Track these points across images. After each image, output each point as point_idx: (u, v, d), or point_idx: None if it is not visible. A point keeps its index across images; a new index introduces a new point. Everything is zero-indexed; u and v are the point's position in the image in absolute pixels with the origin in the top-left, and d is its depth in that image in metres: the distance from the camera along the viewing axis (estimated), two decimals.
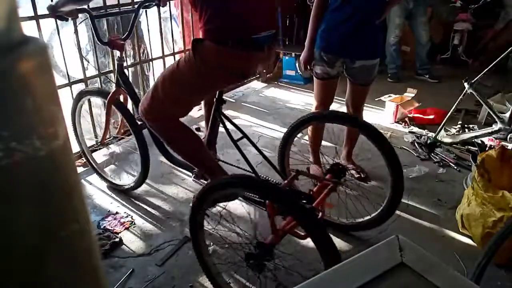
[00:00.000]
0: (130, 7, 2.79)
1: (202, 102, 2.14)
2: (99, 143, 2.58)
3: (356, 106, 2.50)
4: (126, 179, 2.57)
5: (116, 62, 2.18)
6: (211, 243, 2.04)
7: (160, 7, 2.23)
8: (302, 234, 1.48)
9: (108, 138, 2.61)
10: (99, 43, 2.16)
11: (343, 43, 2.17)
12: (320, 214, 1.62)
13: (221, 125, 2.04)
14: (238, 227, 1.86)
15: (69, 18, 2.05)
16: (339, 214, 2.13)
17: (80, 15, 2.14)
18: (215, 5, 1.60)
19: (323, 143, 2.21)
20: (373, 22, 2.18)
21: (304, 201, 1.72)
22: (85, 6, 2.04)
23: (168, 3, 2.12)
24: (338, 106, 3.60)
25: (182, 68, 1.70)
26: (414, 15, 4.35)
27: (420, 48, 4.55)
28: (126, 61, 3.04)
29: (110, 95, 2.22)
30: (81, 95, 2.37)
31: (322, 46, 2.22)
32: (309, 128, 2.45)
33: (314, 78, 2.36)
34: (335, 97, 2.46)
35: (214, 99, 1.99)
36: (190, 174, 2.19)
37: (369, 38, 2.20)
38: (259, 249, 1.46)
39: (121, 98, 2.27)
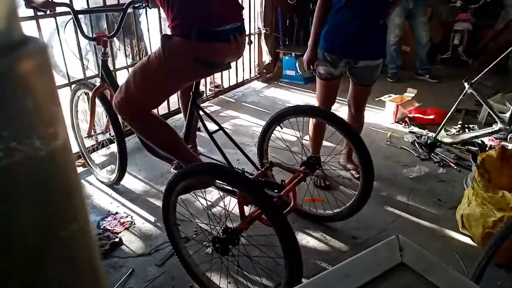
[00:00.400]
0: (123, 5, 2.80)
1: (179, 96, 2.27)
2: (85, 136, 2.62)
3: (358, 107, 2.51)
4: (107, 174, 2.63)
5: (100, 58, 2.27)
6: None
7: (148, 8, 2.25)
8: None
9: (98, 133, 2.64)
10: (84, 38, 2.23)
11: (347, 43, 2.17)
12: (291, 202, 1.81)
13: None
14: (213, 213, 1.94)
15: (48, 11, 2.11)
16: (316, 206, 2.22)
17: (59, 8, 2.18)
18: (180, 2, 1.71)
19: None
20: (377, 22, 2.18)
21: (276, 191, 1.81)
22: (63, 0, 2.11)
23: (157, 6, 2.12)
24: (338, 105, 3.59)
25: (152, 63, 1.79)
26: (414, 15, 4.35)
27: (420, 48, 4.55)
28: (126, 61, 3.05)
29: (94, 89, 2.30)
30: (76, 87, 2.48)
31: (326, 47, 2.22)
32: (310, 127, 2.49)
33: (317, 78, 2.37)
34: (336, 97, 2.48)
35: (191, 93, 2.04)
36: None
37: (372, 39, 2.20)
38: (225, 234, 1.54)
39: (108, 93, 2.35)
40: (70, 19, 2.23)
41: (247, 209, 1.66)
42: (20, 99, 0.26)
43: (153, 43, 3.24)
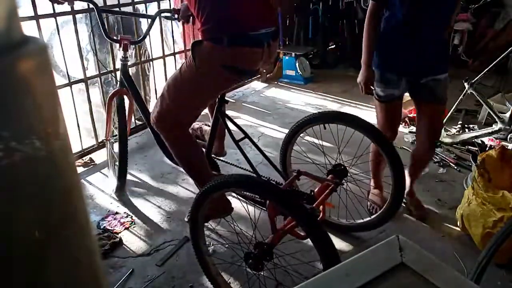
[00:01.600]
0: (145, 11, 2.81)
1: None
2: (103, 140, 2.58)
3: (433, 133, 2.08)
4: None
5: (120, 62, 2.17)
6: (211, 243, 2.04)
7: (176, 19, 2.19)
8: (302, 234, 1.48)
9: (115, 136, 2.59)
10: (107, 39, 2.13)
11: (407, 61, 1.92)
12: (321, 214, 1.62)
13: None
14: (238, 226, 1.85)
15: (66, 3, 1.99)
16: (339, 214, 2.13)
17: (79, 3, 2.14)
18: (211, 4, 1.62)
19: (325, 143, 2.19)
20: (439, 35, 1.93)
21: (305, 202, 1.71)
22: None
23: (181, 18, 2.09)
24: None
25: (184, 73, 1.72)
26: None
27: None
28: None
29: (111, 93, 2.24)
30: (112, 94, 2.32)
31: (383, 66, 1.97)
32: (371, 150, 2.21)
33: (376, 101, 2.07)
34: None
35: (216, 100, 1.97)
36: None
37: (435, 54, 1.92)
38: (258, 249, 1.46)
39: (126, 99, 2.28)
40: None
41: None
42: (20, 99, 0.26)
43: (153, 44, 3.24)
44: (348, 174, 1.92)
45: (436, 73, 1.93)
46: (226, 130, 2.01)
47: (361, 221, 2.07)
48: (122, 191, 2.44)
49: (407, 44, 1.89)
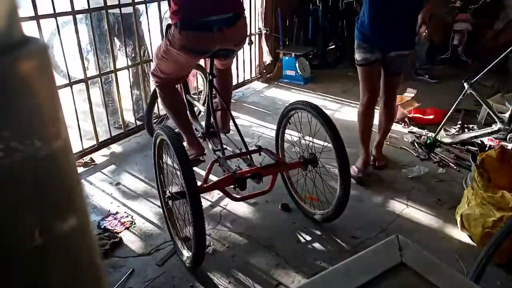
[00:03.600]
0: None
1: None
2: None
3: (389, 98, 2.63)
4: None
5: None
6: (211, 243, 2.04)
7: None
8: (232, 195, 1.91)
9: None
10: None
11: (378, 37, 2.37)
12: (269, 187, 1.97)
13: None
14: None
15: None
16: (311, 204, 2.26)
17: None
18: None
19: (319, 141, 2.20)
20: (410, 18, 2.34)
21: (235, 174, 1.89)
22: None
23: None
24: (339, 106, 3.61)
25: (163, 47, 2.12)
26: None
27: (419, 48, 4.55)
28: (127, 61, 3.05)
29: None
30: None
31: (360, 38, 2.42)
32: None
33: (357, 67, 2.50)
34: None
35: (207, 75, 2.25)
36: None
37: (404, 31, 2.38)
38: (178, 194, 1.80)
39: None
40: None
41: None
42: (21, 99, 0.26)
43: (153, 43, 3.24)
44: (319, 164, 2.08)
45: (402, 49, 2.40)
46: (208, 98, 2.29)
47: (321, 211, 2.15)
48: None
49: (380, 25, 2.33)
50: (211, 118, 2.32)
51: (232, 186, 1.89)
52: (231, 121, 2.31)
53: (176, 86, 2.38)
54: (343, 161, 1.93)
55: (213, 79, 2.22)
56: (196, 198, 1.65)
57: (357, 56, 2.44)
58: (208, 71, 2.26)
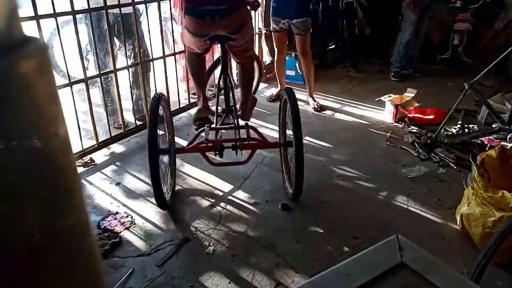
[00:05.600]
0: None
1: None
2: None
3: (302, 52, 3.71)
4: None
5: None
6: (211, 243, 2.04)
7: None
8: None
9: None
10: None
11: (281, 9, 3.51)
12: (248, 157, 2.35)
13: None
14: None
15: None
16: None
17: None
18: None
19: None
20: None
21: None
22: None
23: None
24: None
25: (182, 27, 2.53)
26: (425, 11, 4.34)
27: (397, 45, 4.58)
28: (127, 61, 3.05)
29: None
30: None
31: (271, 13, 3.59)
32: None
33: (272, 33, 3.72)
34: None
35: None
36: (192, 175, 2.21)
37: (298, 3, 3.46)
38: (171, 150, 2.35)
39: None
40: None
41: None
42: (21, 99, 0.26)
43: (153, 43, 3.24)
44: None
45: (300, 17, 3.48)
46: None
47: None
48: None
49: (283, 3, 3.49)
50: (226, 96, 2.68)
51: (214, 153, 2.30)
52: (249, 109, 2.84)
53: (201, 56, 2.73)
54: (298, 155, 2.15)
55: (227, 62, 2.61)
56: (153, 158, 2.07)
57: (272, 25, 3.61)
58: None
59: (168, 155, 2.34)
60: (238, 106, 2.77)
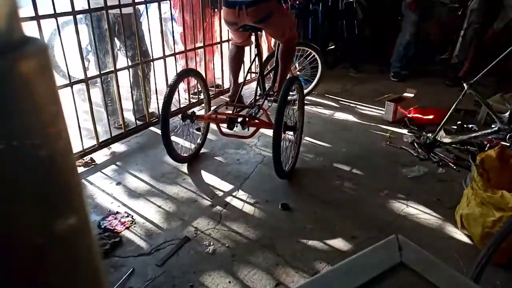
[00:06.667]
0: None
1: None
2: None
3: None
4: None
5: None
6: (211, 243, 2.04)
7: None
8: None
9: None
10: None
11: None
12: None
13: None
14: None
15: None
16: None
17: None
18: None
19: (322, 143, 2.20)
20: None
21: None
22: None
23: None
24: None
25: None
26: (427, 13, 4.35)
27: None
28: (127, 61, 3.05)
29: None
30: None
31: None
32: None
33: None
34: None
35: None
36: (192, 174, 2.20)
37: None
38: (191, 116, 2.73)
39: None
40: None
41: None
42: (21, 99, 0.26)
43: (154, 43, 3.24)
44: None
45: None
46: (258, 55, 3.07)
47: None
48: None
49: None
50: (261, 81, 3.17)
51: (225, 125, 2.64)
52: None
53: (238, 48, 3.09)
54: (276, 135, 2.37)
55: (260, 50, 3.03)
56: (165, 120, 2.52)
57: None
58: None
59: (190, 120, 2.72)
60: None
